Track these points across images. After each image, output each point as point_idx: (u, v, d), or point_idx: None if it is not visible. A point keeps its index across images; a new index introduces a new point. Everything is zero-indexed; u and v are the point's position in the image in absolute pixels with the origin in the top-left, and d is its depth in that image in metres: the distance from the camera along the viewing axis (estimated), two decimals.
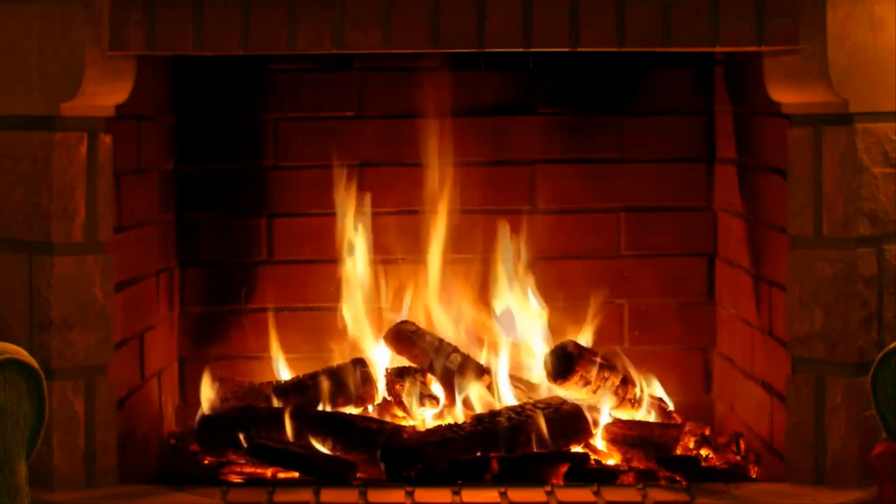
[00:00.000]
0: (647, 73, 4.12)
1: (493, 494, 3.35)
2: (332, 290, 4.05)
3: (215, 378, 3.89)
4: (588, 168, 4.12)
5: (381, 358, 4.00)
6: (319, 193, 4.07)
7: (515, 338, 3.93)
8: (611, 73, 4.12)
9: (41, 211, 3.31)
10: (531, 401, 3.74)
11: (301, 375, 3.95)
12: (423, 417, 3.83)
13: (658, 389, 3.92)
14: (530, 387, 3.89)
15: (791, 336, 3.41)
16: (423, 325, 4.00)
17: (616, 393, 3.80)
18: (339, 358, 3.99)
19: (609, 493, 3.35)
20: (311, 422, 3.68)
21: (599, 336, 4.00)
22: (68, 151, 3.31)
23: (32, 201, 3.31)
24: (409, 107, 4.08)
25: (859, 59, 3.31)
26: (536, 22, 3.29)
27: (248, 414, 3.73)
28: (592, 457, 3.64)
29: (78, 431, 3.34)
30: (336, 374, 3.88)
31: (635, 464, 3.60)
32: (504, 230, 3.99)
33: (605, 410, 3.78)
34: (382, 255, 4.06)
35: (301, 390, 3.86)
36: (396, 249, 4.06)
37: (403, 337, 3.96)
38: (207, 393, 3.83)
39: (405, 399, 3.84)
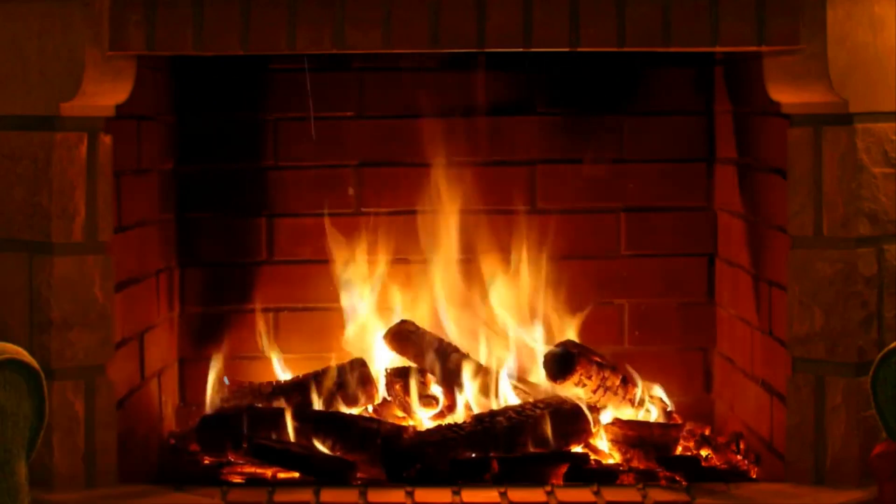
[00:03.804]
0: (647, 73, 4.12)
1: (493, 494, 3.35)
2: (332, 290, 4.05)
3: (219, 378, 3.92)
4: (588, 168, 4.12)
5: (381, 358, 4.00)
6: (319, 193, 4.07)
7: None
8: (611, 73, 4.11)
9: (41, 211, 3.30)
10: (531, 400, 3.74)
11: (301, 375, 3.95)
12: (423, 417, 3.83)
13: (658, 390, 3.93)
14: (530, 387, 3.88)
15: (791, 336, 3.41)
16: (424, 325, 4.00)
17: (616, 393, 3.80)
18: (339, 358, 3.99)
19: (609, 493, 3.35)
20: (311, 422, 3.68)
21: (599, 336, 4.01)
22: (68, 151, 3.31)
23: (32, 201, 3.31)
24: (409, 107, 4.08)
25: (859, 59, 3.31)
26: (536, 22, 3.29)
27: (248, 414, 3.73)
28: (592, 457, 3.64)
29: (78, 431, 3.33)
30: (336, 374, 3.88)
31: (635, 464, 3.60)
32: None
33: (605, 410, 3.78)
34: (382, 255, 4.06)
35: (301, 390, 3.87)
36: (396, 250, 4.06)
37: (403, 337, 3.96)
38: (211, 392, 3.85)
39: (405, 399, 3.84)
